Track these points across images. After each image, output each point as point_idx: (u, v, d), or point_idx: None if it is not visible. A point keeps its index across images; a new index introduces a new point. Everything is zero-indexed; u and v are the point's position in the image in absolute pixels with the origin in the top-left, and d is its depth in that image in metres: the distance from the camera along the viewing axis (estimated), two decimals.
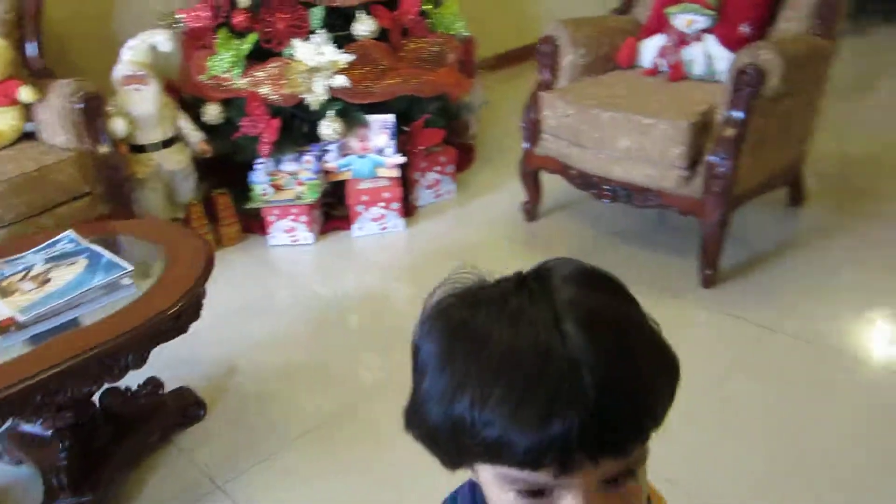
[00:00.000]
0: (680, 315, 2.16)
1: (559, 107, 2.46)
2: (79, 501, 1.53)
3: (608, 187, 2.41)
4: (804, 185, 2.65)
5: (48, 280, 1.56)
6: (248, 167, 2.72)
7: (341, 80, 2.59)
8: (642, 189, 2.32)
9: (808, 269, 2.31)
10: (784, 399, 1.80)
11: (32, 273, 1.60)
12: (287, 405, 1.92)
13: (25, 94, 2.39)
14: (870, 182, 2.86)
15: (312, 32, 2.65)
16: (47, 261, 1.64)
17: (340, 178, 2.74)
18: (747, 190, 2.27)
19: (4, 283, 1.57)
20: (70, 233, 1.74)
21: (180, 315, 1.54)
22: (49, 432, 1.57)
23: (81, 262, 1.61)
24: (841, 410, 1.76)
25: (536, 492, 0.56)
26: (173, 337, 1.55)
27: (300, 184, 2.67)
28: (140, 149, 2.56)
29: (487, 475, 0.58)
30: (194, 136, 2.66)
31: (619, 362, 0.54)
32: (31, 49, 2.57)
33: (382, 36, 2.76)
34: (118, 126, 2.47)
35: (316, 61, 2.59)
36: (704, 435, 1.69)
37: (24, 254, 1.69)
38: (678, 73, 2.54)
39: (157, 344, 1.51)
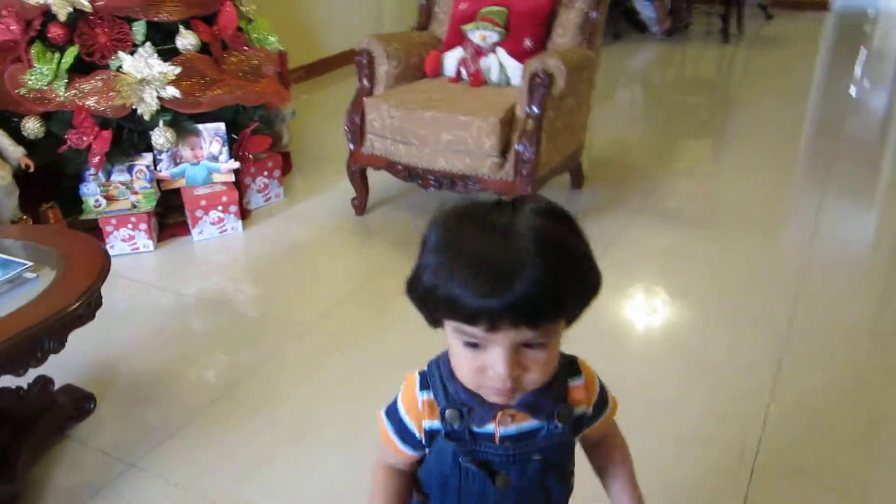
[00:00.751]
0: None
1: (384, 110, 2.77)
2: (6, 494, 1.54)
3: (433, 177, 2.76)
4: (583, 171, 3.21)
5: None
6: (76, 179, 2.71)
7: (172, 91, 2.68)
8: (463, 176, 2.70)
9: (599, 236, 2.81)
10: (599, 333, 2.24)
11: None
12: (169, 393, 2.01)
13: None
14: (622, 169, 3.50)
15: (137, 46, 2.72)
16: None
17: (174, 186, 2.82)
18: (547, 172, 2.74)
19: None
20: None
21: (90, 302, 1.62)
22: None
23: None
24: (637, 335, 2.25)
25: (476, 344, 0.80)
26: (85, 322, 1.61)
27: (135, 193, 2.71)
28: None
29: (449, 328, 0.82)
30: (14, 150, 2.60)
31: (546, 271, 0.75)
32: None
33: (204, 50, 2.88)
34: None
35: (144, 73, 2.66)
36: None
37: None
38: (478, 80, 2.96)
39: (73, 328, 1.58)
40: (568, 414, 0.92)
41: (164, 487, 1.68)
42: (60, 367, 1.89)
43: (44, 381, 1.85)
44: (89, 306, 1.61)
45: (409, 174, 2.81)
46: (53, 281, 1.61)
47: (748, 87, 5.12)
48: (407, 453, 0.95)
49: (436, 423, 0.91)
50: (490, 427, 0.89)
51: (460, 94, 2.84)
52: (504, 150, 2.64)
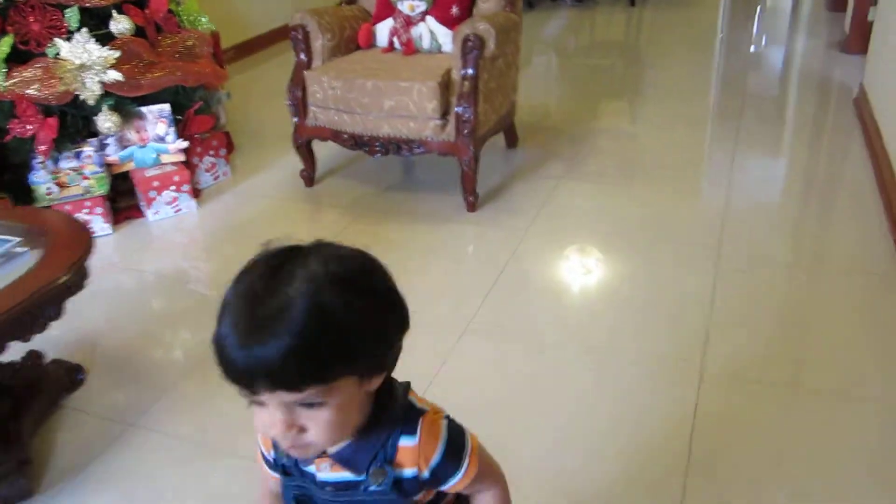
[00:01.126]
0: (457, 234, 2.72)
1: (325, 82, 2.87)
2: (16, 460, 1.61)
3: (378, 144, 2.88)
4: (517, 131, 3.39)
5: None
6: (24, 169, 2.72)
7: (115, 75, 2.72)
8: (408, 140, 2.84)
9: (535, 192, 2.99)
10: (545, 270, 2.45)
11: None
12: (149, 363, 2.10)
13: None
14: (546, 134, 3.69)
15: (71, 32, 2.74)
16: None
17: (123, 169, 2.86)
18: (486, 131, 2.91)
19: None
20: None
21: (80, 272, 1.69)
22: None
23: None
24: (575, 287, 2.46)
25: (256, 401, 0.76)
26: (76, 292, 1.68)
27: (86, 178, 2.74)
28: None
29: None
30: None
31: (297, 341, 0.70)
32: None
33: (138, 33, 2.91)
34: None
35: (83, 59, 2.69)
36: (506, 300, 2.26)
37: None
38: (410, 49, 3.09)
39: (68, 297, 1.65)
40: (383, 475, 0.84)
41: (165, 440, 1.79)
42: (42, 344, 1.95)
43: (35, 356, 1.92)
44: (80, 276, 1.69)
45: (355, 142, 2.92)
46: (44, 254, 1.68)
47: (656, 47, 5.41)
48: (272, 474, 0.96)
49: (275, 454, 0.92)
50: (311, 468, 0.87)
51: (396, 63, 2.97)
52: (444, 113, 2.78)
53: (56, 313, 1.62)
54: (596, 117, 3.95)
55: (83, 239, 1.74)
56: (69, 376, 1.93)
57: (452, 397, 1.80)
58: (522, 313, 2.23)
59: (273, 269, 0.75)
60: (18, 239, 1.69)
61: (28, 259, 1.67)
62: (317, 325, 0.71)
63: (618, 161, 3.36)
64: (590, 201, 2.96)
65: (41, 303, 1.57)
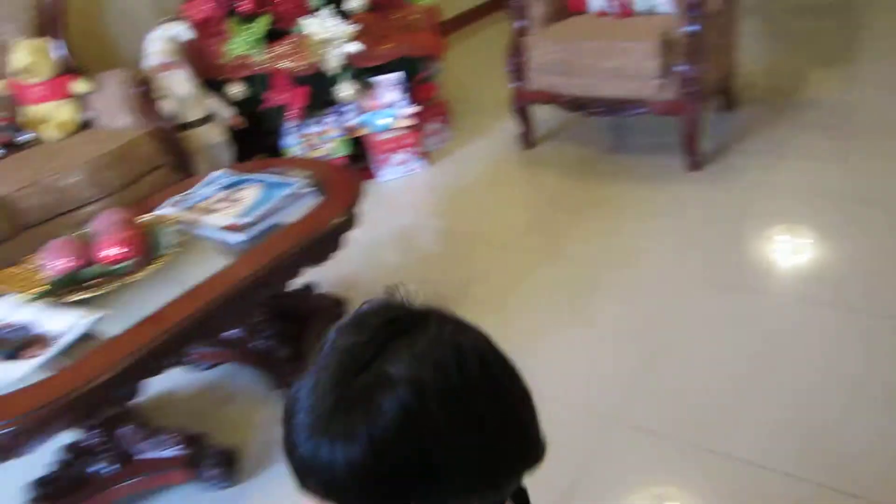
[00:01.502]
0: (679, 194, 2.71)
1: (546, 45, 2.97)
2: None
3: (598, 105, 2.94)
4: (735, 93, 3.30)
5: (237, 200, 1.87)
6: (274, 134, 3.04)
7: (354, 47, 2.97)
8: (628, 101, 2.87)
9: (756, 155, 2.91)
10: (775, 231, 2.43)
11: (216, 198, 1.90)
12: None
13: (80, 86, 2.61)
14: (766, 96, 3.52)
15: (314, 10, 3.01)
16: (219, 191, 1.94)
17: (360, 133, 3.11)
18: (709, 89, 2.88)
19: (201, 206, 1.86)
20: (219, 172, 2.04)
21: (354, 213, 1.89)
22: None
23: (256, 186, 1.92)
24: (804, 238, 2.41)
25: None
26: (350, 228, 1.89)
27: (330, 142, 3.02)
28: (183, 127, 2.82)
29: None
30: (226, 111, 2.95)
31: (378, 445, 0.56)
32: (58, 47, 2.76)
33: (370, 9, 3.15)
34: (168, 106, 2.73)
35: (327, 34, 2.95)
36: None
37: (189, 191, 1.97)
38: (626, 11, 3.11)
39: (346, 231, 1.86)
40: None
41: None
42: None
43: (309, 287, 2.17)
44: (354, 216, 1.89)
45: (575, 104, 2.99)
46: (325, 196, 1.89)
47: (871, 5, 5.01)
48: None
49: None
50: None
51: (613, 25, 3.01)
52: (666, 72, 2.78)
53: (335, 246, 1.84)
54: (810, 82, 3.71)
55: (355, 185, 1.95)
56: (335, 308, 2.17)
57: (684, 356, 1.86)
58: (757, 270, 2.22)
59: (361, 350, 0.60)
60: (303, 181, 1.92)
61: (311, 200, 1.89)
62: (406, 429, 0.56)
63: (837, 128, 3.14)
64: (813, 169, 2.79)
65: (326, 235, 1.78)
